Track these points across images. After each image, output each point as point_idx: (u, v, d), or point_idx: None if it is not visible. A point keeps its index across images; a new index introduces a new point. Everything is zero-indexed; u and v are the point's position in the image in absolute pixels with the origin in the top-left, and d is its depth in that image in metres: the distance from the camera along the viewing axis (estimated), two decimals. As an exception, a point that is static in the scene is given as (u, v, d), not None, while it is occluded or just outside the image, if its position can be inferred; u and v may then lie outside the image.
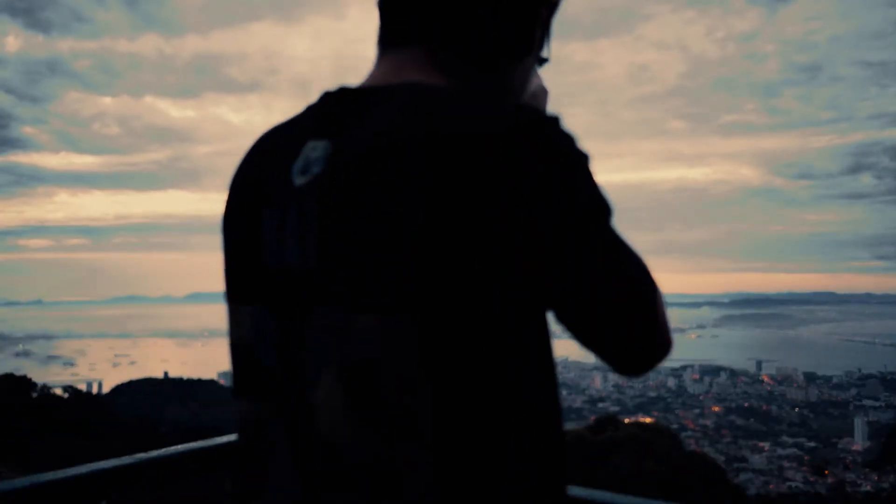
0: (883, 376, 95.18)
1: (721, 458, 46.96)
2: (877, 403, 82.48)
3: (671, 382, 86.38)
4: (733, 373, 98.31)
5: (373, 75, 0.77)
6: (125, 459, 1.41)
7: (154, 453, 1.48)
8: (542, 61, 0.83)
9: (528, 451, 0.63)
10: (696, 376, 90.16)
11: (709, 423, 70.96)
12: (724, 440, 64.26)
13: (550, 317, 0.65)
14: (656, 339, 0.66)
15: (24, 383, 33.02)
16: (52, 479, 1.30)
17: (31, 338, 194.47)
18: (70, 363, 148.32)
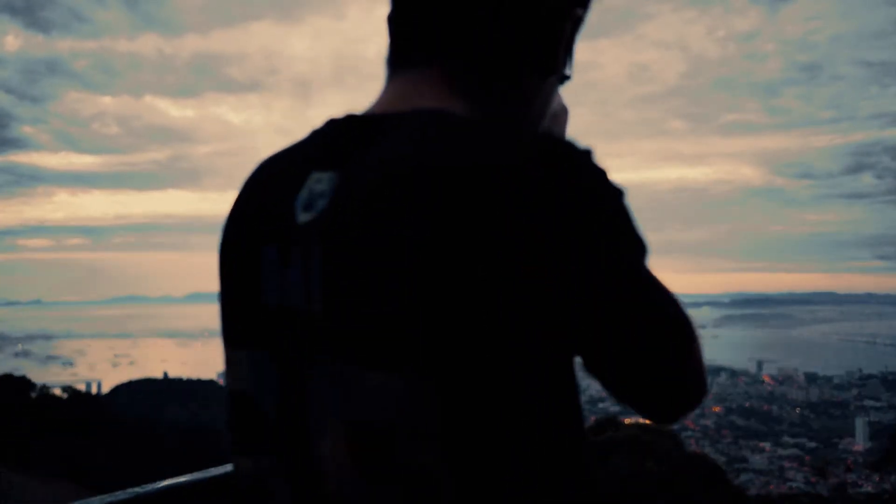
0: (884, 376, 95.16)
1: (722, 459, 46.93)
2: (878, 404, 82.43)
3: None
4: (734, 373, 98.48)
5: (382, 100, 0.71)
6: (118, 495, 1.34)
7: (147, 488, 1.39)
8: (564, 78, 0.76)
9: None
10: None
11: (709, 423, 70.98)
12: (724, 440, 64.32)
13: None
14: (693, 386, 0.63)
15: (23, 383, 32.98)
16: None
17: (31, 338, 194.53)
18: (69, 363, 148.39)
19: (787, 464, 54.46)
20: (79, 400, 35.06)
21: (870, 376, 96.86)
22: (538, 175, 0.54)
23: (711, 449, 55.03)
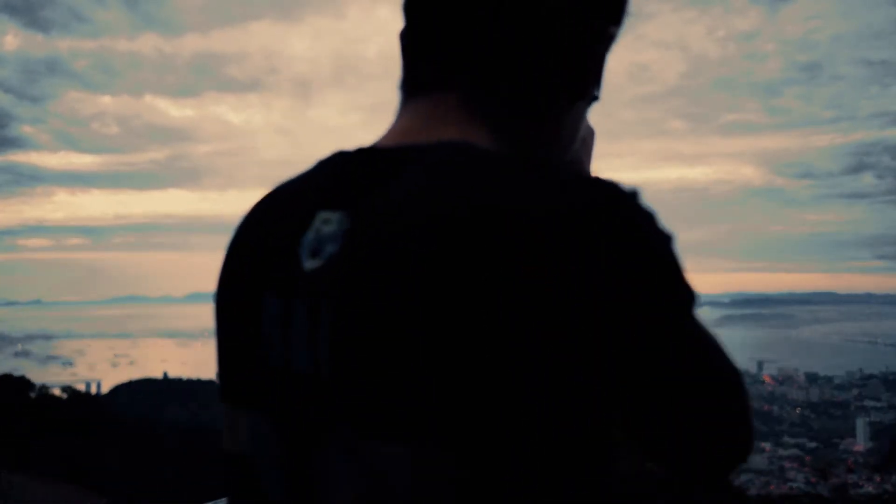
0: (884, 377, 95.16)
1: (722, 459, 46.74)
2: (878, 404, 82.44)
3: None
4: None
5: (397, 129, 0.63)
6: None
7: None
8: (593, 100, 0.69)
9: None
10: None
11: (709, 423, 70.81)
12: (724, 441, 64.15)
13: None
14: (742, 443, 0.58)
15: (23, 383, 32.98)
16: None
17: (31, 338, 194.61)
18: (69, 363, 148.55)
19: (787, 464, 54.40)
20: (79, 400, 35.08)
21: (870, 376, 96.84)
22: (581, 221, 0.48)
23: (712, 449, 54.86)
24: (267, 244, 0.61)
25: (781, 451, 60.42)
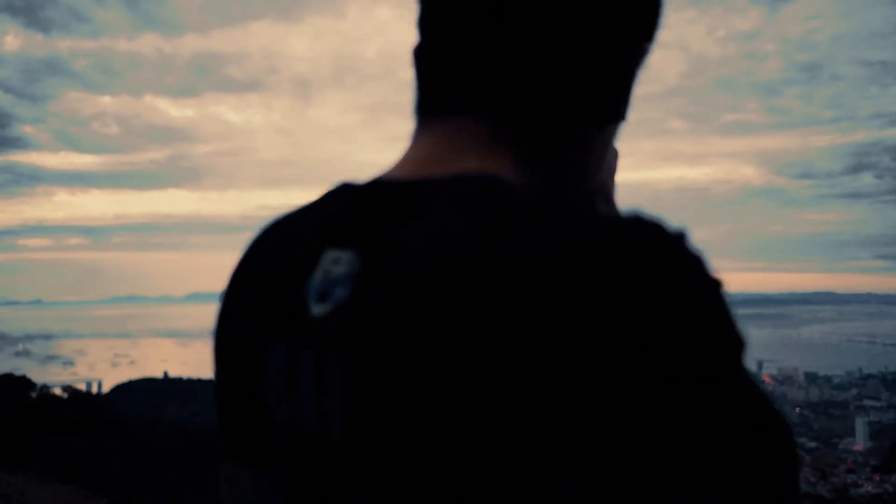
0: (884, 376, 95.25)
1: (722, 459, 46.78)
2: (878, 404, 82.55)
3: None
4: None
5: (411, 157, 0.57)
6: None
7: None
8: (620, 121, 0.64)
9: None
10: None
11: (709, 423, 70.95)
12: (724, 440, 64.26)
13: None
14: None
15: (23, 383, 33.01)
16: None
17: (31, 337, 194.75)
18: (69, 363, 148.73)
19: (787, 464, 54.37)
20: (79, 400, 35.12)
21: (870, 376, 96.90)
22: (622, 269, 0.42)
23: (712, 449, 54.93)
24: (271, 284, 0.56)
25: (781, 451, 60.42)
